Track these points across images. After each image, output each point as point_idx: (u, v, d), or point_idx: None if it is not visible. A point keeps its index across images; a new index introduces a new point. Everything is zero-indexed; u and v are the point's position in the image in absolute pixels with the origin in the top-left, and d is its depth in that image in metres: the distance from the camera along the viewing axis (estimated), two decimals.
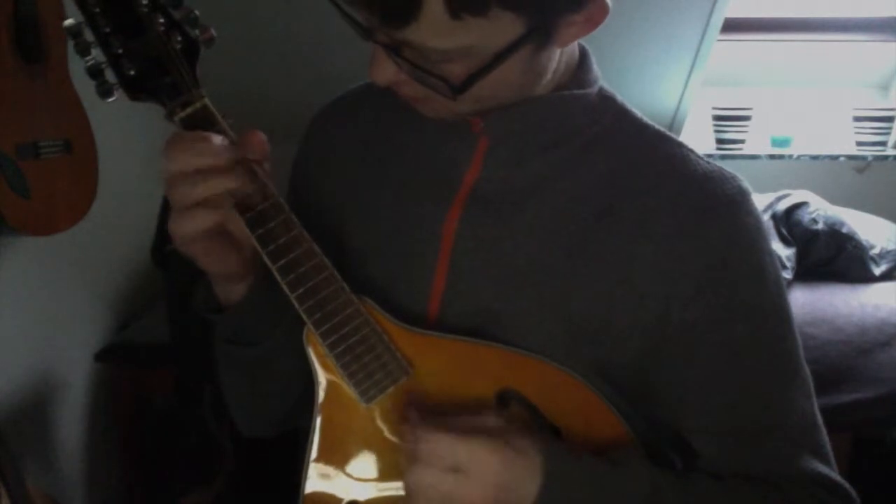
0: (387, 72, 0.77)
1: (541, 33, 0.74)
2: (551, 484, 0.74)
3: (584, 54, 0.88)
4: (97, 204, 1.70)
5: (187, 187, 0.74)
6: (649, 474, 0.78)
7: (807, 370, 0.86)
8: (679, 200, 0.83)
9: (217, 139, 0.75)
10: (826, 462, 0.85)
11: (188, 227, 0.75)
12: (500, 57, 0.73)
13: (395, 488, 0.81)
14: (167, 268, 1.86)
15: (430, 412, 0.78)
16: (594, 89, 0.87)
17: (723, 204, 0.83)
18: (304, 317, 0.80)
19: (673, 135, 0.89)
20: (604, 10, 0.75)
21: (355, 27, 0.75)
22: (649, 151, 0.86)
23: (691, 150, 0.87)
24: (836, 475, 0.85)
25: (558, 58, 0.82)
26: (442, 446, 0.73)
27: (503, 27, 0.71)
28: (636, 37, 2.23)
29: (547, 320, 0.83)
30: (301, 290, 0.79)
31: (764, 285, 0.84)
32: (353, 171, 0.94)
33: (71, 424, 1.99)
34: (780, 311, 0.85)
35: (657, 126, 0.89)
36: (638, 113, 0.90)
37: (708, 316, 0.82)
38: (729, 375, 0.83)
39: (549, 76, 0.82)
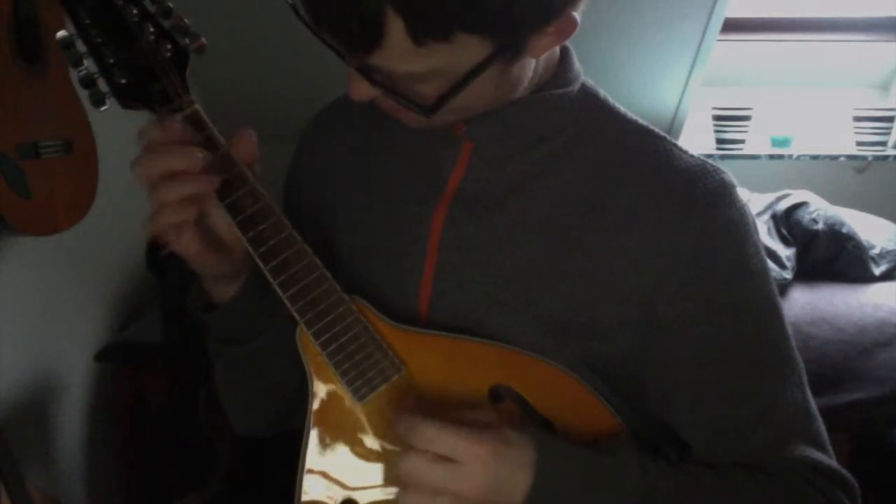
0: (362, 91, 0.78)
1: (509, 50, 0.74)
2: (543, 475, 0.74)
3: (564, 52, 0.88)
4: (97, 204, 1.70)
5: (161, 189, 0.76)
6: (641, 463, 0.78)
7: (798, 360, 0.86)
8: (662, 195, 0.83)
9: (177, 130, 0.77)
10: (822, 449, 0.84)
11: (161, 222, 0.77)
12: (469, 76, 0.74)
13: (390, 490, 0.81)
14: (161, 272, 1.86)
15: (426, 404, 0.79)
16: (575, 87, 0.88)
17: (705, 197, 0.83)
18: (296, 316, 0.80)
19: (657, 129, 0.89)
20: (572, 23, 0.75)
21: (330, 48, 0.75)
22: (633, 146, 0.87)
23: (675, 145, 0.87)
24: (832, 462, 0.84)
25: (534, 63, 0.82)
26: (434, 435, 0.73)
27: (470, 49, 0.71)
28: (636, 37, 2.23)
29: (534, 317, 0.83)
30: (293, 290, 0.80)
31: (748, 277, 0.84)
32: (344, 174, 0.95)
33: (71, 424, 1.99)
34: (766, 302, 0.85)
35: (641, 121, 0.89)
36: (622, 108, 0.90)
37: (692, 309, 0.82)
38: (715, 368, 0.83)
39: (525, 83, 0.83)
